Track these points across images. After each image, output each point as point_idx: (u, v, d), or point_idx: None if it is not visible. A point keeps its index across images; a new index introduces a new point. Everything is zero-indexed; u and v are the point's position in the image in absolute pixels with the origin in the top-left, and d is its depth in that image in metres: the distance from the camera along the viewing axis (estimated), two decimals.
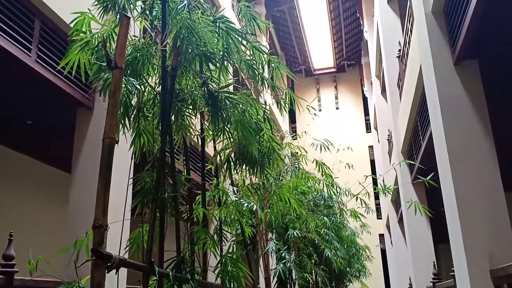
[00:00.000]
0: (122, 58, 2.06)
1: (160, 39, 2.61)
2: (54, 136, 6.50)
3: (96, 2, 2.62)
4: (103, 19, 2.62)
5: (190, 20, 2.46)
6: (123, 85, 2.41)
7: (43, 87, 4.70)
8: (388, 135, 13.35)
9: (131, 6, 2.60)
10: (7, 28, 4.03)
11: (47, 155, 7.32)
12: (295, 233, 5.49)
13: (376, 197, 18.49)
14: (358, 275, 11.62)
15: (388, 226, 16.40)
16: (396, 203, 13.49)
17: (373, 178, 6.93)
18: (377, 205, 19.54)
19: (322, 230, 6.34)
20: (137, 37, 2.77)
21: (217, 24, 2.54)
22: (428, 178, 4.85)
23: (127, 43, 2.36)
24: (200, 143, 3.15)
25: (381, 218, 19.10)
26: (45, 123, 6.15)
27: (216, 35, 2.55)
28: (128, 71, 2.58)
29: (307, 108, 4.88)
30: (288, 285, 5.64)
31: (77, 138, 5.13)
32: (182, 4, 2.49)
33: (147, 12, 2.70)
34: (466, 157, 4.76)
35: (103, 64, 2.53)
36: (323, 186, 6.24)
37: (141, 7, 2.78)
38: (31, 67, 4.27)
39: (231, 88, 2.91)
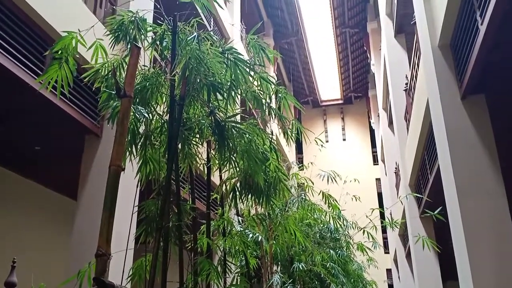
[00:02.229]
0: (131, 87, 2.09)
1: (169, 69, 2.64)
2: (61, 162, 6.53)
3: (108, 32, 2.69)
4: (114, 49, 2.67)
5: (199, 51, 2.50)
6: (132, 113, 2.44)
7: (52, 113, 4.76)
8: (396, 168, 13.28)
9: (142, 36, 2.65)
10: (19, 55, 4.12)
11: (53, 181, 7.34)
12: (300, 266, 5.39)
13: (384, 230, 18.21)
14: None
15: (395, 261, 16.10)
16: (403, 237, 13.29)
17: (380, 211, 6.85)
18: (385, 239, 19.23)
19: (328, 263, 6.23)
20: (147, 66, 2.81)
21: (226, 55, 2.57)
22: (436, 212, 4.79)
23: (137, 72, 2.40)
24: (206, 172, 3.15)
25: (388, 253, 18.76)
26: (53, 149, 6.19)
27: (225, 65, 2.58)
28: (137, 100, 2.61)
29: (315, 140, 4.89)
30: None
31: (84, 164, 5.15)
32: (192, 36, 2.53)
33: (157, 42, 2.75)
34: (474, 191, 4.71)
35: (113, 92, 2.57)
36: (330, 218, 6.17)
37: (152, 37, 2.83)
38: (42, 94, 4.34)
39: (238, 117, 2.92)
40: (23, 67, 4.16)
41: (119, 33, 2.63)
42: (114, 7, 5.63)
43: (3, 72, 4.01)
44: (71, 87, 2.56)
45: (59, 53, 2.45)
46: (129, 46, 2.59)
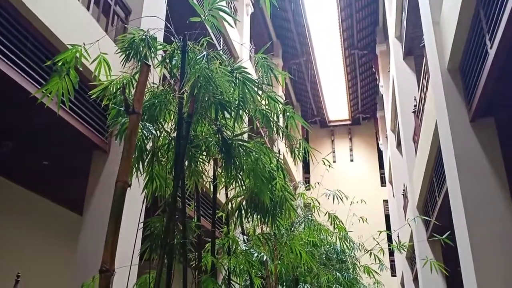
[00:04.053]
0: (140, 104, 2.11)
1: (178, 86, 2.67)
2: (68, 177, 6.56)
3: (119, 50, 2.73)
4: (124, 67, 2.71)
5: (208, 69, 2.52)
6: (139, 130, 2.45)
7: (61, 128, 4.80)
8: (403, 190, 13.17)
9: (152, 54, 2.69)
10: (30, 71, 4.18)
11: (60, 196, 7.36)
12: (306, 287, 5.32)
13: (391, 253, 17.98)
14: None
15: (402, 284, 15.85)
16: (411, 260, 13.10)
17: (387, 234, 6.77)
18: (392, 262, 18.97)
19: (334, 285, 6.14)
20: (156, 84, 2.83)
21: (234, 74, 2.59)
22: (444, 236, 4.72)
23: (146, 89, 2.42)
24: (212, 190, 3.15)
25: (395, 276, 18.49)
26: (61, 164, 6.22)
27: (233, 84, 2.60)
28: (145, 117, 2.63)
29: (322, 160, 4.87)
30: None
31: (91, 180, 5.17)
32: (201, 55, 2.56)
33: (167, 60, 2.78)
34: (483, 215, 4.65)
35: (121, 108, 2.59)
36: (336, 239, 6.11)
37: (162, 56, 2.86)
38: (51, 109, 4.38)
39: (245, 136, 2.93)
40: (34, 83, 4.22)
41: (130, 50, 2.67)
42: (125, 25, 5.72)
43: (15, 87, 4.07)
44: (72, 99, 2.56)
45: (60, 65, 2.45)
46: (139, 64, 2.62)
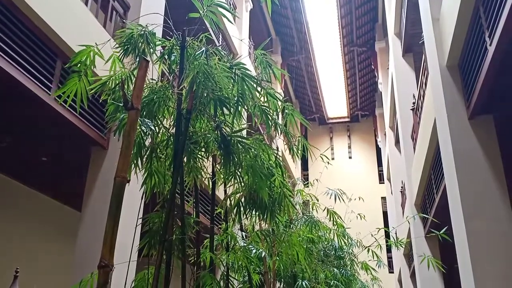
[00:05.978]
0: (139, 99, 2.10)
1: (176, 82, 2.66)
2: (67, 173, 6.56)
3: (118, 45, 2.72)
4: (122, 61, 2.70)
5: (207, 65, 2.51)
6: (138, 126, 2.45)
7: (60, 125, 4.80)
8: (402, 187, 13.19)
9: (151, 50, 2.68)
10: (29, 67, 4.16)
11: (59, 192, 7.36)
12: (304, 283, 5.33)
13: (388, 250, 18.03)
14: None
15: (400, 281, 15.90)
16: (408, 256, 13.14)
17: (385, 230, 6.79)
18: (389, 258, 19.02)
19: (332, 281, 6.15)
20: (155, 80, 2.83)
21: (233, 71, 2.59)
22: (441, 232, 4.74)
23: (145, 85, 2.41)
24: (210, 186, 3.15)
25: (393, 272, 18.55)
26: (59, 161, 6.22)
27: (232, 81, 2.60)
28: (144, 113, 2.62)
29: (320, 157, 4.87)
30: None
31: (90, 176, 5.16)
32: (200, 51, 2.55)
33: (166, 56, 2.78)
34: (480, 212, 4.66)
35: (120, 104, 2.59)
36: (334, 236, 6.12)
37: (160, 51, 2.86)
38: (50, 105, 4.38)
39: (244, 132, 2.93)
40: (33, 79, 4.21)
41: (128, 46, 2.66)
42: (124, 20, 5.71)
43: (13, 84, 4.06)
44: (89, 100, 2.59)
45: (78, 66, 2.48)
46: (137, 59, 2.62)
